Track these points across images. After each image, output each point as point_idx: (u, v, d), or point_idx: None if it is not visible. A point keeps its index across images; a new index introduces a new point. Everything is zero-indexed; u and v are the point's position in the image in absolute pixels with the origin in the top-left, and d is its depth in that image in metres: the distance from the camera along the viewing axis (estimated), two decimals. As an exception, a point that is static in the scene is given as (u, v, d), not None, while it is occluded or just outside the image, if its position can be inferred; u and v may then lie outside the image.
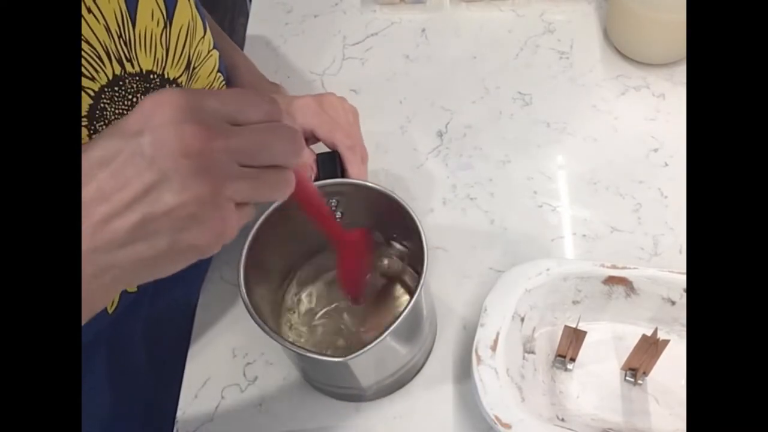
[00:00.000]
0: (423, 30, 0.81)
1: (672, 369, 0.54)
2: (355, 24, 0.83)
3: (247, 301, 0.49)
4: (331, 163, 0.58)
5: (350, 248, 0.52)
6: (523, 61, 0.77)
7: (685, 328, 0.55)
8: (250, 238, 0.51)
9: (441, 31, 0.81)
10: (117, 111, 0.52)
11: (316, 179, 0.58)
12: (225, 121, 0.33)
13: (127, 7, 0.50)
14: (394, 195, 0.52)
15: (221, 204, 0.32)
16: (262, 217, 0.52)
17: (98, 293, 0.32)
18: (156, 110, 0.31)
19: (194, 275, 0.66)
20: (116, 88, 0.51)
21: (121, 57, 0.51)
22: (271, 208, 0.53)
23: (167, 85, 0.56)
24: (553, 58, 0.77)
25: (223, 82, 0.64)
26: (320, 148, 0.60)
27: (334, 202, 0.56)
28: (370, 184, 0.54)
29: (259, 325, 0.48)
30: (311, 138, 0.61)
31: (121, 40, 0.50)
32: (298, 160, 0.36)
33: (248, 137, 0.33)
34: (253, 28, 0.84)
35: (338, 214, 0.57)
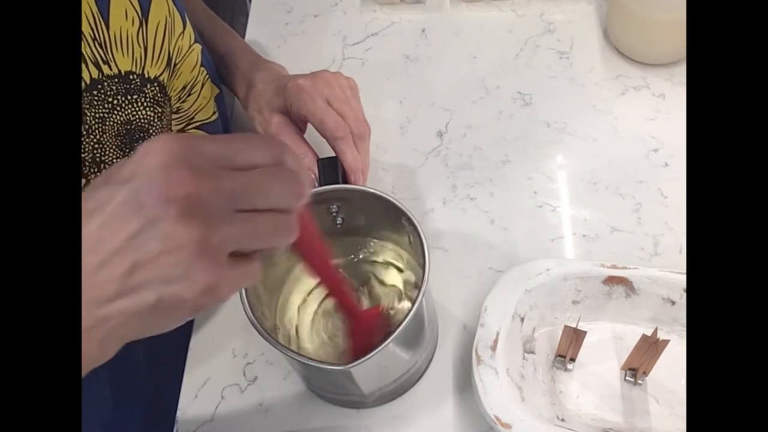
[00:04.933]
0: (423, 30, 0.81)
1: (672, 369, 0.54)
2: (355, 24, 0.83)
3: (248, 308, 0.49)
4: (332, 169, 0.58)
5: (362, 325, 0.50)
6: (523, 61, 0.77)
7: (685, 328, 0.55)
8: None
9: (441, 31, 0.81)
10: (97, 115, 0.51)
11: (318, 185, 0.57)
12: (221, 166, 0.31)
13: (98, 8, 0.49)
14: (393, 200, 0.52)
15: (210, 252, 0.30)
16: None
17: (94, 347, 0.32)
18: (147, 156, 0.30)
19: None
20: (95, 92, 0.51)
21: (97, 60, 0.50)
22: None
23: (148, 85, 0.55)
24: (553, 58, 0.77)
25: (207, 76, 0.64)
26: (323, 152, 0.60)
27: (335, 207, 0.56)
28: (369, 189, 0.54)
29: (259, 332, 0.48)
30: (306, 122, 0.60)
31: (95, 42, 0.50)
32: (301, 203, 0.33)
33: (241, 179, 0.31)
34: (253, 27, 0.84)
35: (339, 220, 0.57)
